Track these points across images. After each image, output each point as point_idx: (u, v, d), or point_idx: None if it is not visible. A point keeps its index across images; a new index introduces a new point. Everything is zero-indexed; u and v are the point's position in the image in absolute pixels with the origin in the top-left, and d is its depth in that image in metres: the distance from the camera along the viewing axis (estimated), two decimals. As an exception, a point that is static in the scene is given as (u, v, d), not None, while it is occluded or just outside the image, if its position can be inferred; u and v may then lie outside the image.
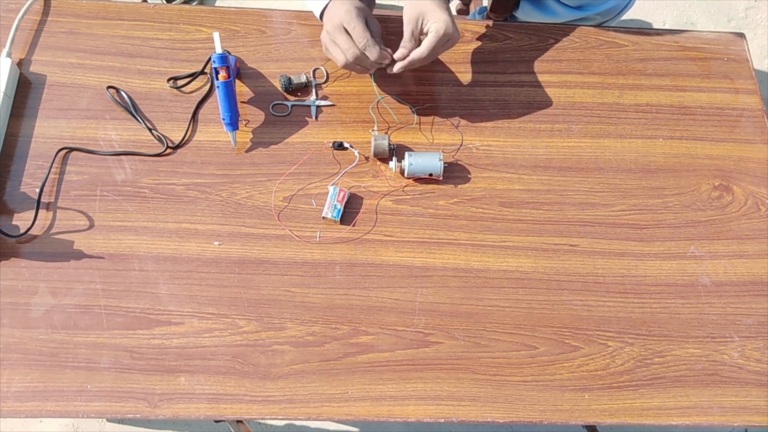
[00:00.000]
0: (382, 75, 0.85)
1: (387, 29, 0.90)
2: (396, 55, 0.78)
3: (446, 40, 0.77)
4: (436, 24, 0.75)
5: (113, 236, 0.77)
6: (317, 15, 0.82)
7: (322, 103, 0.85)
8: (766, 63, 1.70)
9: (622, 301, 0.77)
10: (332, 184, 0.80)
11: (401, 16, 0.93)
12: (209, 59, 0.85)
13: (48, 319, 0.73)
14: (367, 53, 0.76)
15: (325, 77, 0.87)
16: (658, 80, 0.90)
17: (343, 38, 0.77)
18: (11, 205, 0.78)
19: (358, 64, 0.78)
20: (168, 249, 0.76)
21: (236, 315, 0.74)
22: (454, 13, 1.57)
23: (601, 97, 0.88)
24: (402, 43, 0.78)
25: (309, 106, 0.85)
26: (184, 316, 0.74)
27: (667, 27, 1.71)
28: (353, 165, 0.82)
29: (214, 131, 0.83)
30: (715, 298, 0.78)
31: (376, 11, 1.21)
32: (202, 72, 0.86)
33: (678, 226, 0.81)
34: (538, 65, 0.90)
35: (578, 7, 1.06)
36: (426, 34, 0.77)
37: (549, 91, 0.88)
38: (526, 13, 1.20)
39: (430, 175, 0.80)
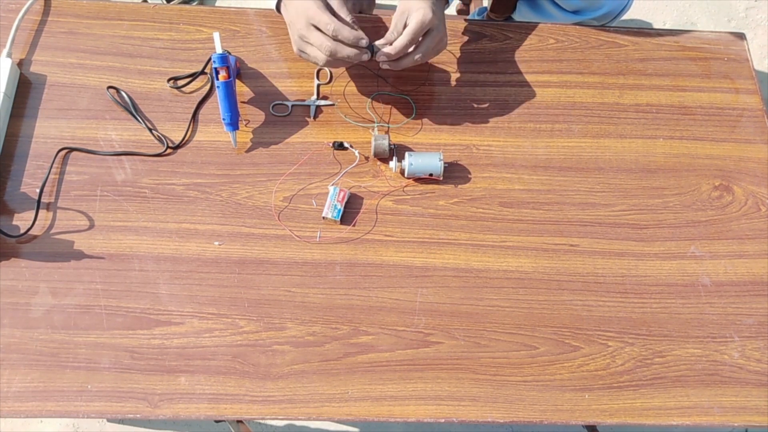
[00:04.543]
0: (383, 74, 0.85)
1: (387, 29, 0.90)
2: (378, 42, 0.77)
3: (427, 30, 0.76)
4: (415, 13, 0.75)
5: (113, 236, 0.77)
6: (274, 7, 0.84)
7: (322, 102, 0.85)
8: (766, 63, 1.70)
9: (623, 301, 0.77)
10: (332, 184, 0.80)
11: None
12: (209, 59, 0.85)
13: (48, 319, 0.73)
14: (341, 38, 0.74)
15: (328, 77, 0.87)
16: (658, 80, 0.90)
17: (315, 35, 0.75)
18: (11, 205, 0.78)
19: (338, 58, 0.75)
20: (168, 249, 0.76)
21: (236, 315, 0.74)
22: (453, 12, 1.58)
23: (602, 97, 0.88)
24: (386, 35, 0.78)
25: (309, 106, 0.85)
26: (185, 316, 0.74)
27: (667, 27, 1.71)
28: (353, 165, 0.82)
29: (214, 131, 0.83)
30: (716, 298, 0.78)
31: (376, 11, 1.21)
32: (203, 72, 0.86)
33: (678, 226, 0.81)
34: (538, 65, 0.90)
35: (575, 12, 1.06)
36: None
37: (549, 91, 0.88)
38: (523, 16, 1.20)
39: (431, 175, 0.80)
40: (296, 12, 0.77)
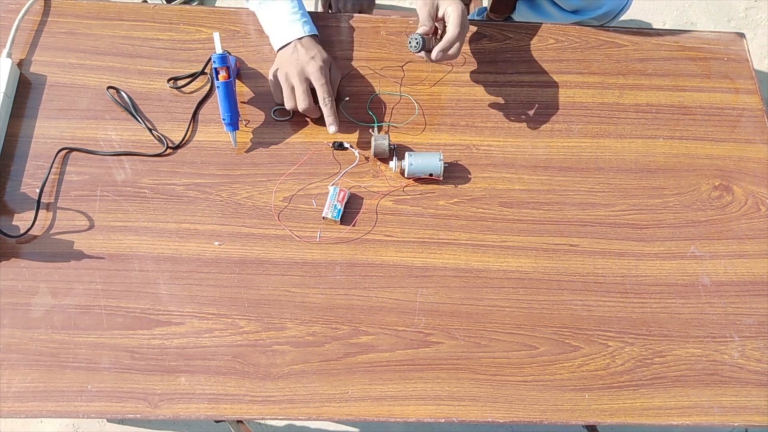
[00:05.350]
0: (383, 74, 0.85)
1: (387, 30, 0.90)
2: (420, 30, 0.79)
3: (465, 20, 0.78)
4: (451, 6, 0.77)
5: (113, 236, 0.77)
6: (275, 47, 0.83)
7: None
8: (766, 63, 1.70)
9: (623, 301, 0.77)
10: (332, 184, 0.80)
11: (402, 17, 0.93)
12: (209, 59, 0.85)
13: (48, 320, 0.73)
14: (323, 110, 0.80)
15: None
16: (658, 80, 0.90)
17: (301, 87, 0.79)
18: (11, 205, 0.78)
19: (303, 112, 0.81)
20: (168, 249, 0.76)
21: (236, 315, 0.74)
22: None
23: (601, 97, 0.88)
24: (421, 22, 0.79)
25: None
26: (185, 316, 0.74)
27: (667, 27, 1.71)
28: (353, 165, 0.82)
29: (214, 131, 0.83)
30: (716, 298, 0.78)
31: (376, 11, 1.21)
32: (203, 72, 0.86)
33: (678, 226, 0.81)
34: (538, 65, 0.90)
35: (574, 11, 1.06)
36: (443, 18, 0.79)
37: (549, 91, 0.88)
38: (522, 16, 1.20)
39: (431, 175, 0.80)
40: (299, 58, 0.80)
